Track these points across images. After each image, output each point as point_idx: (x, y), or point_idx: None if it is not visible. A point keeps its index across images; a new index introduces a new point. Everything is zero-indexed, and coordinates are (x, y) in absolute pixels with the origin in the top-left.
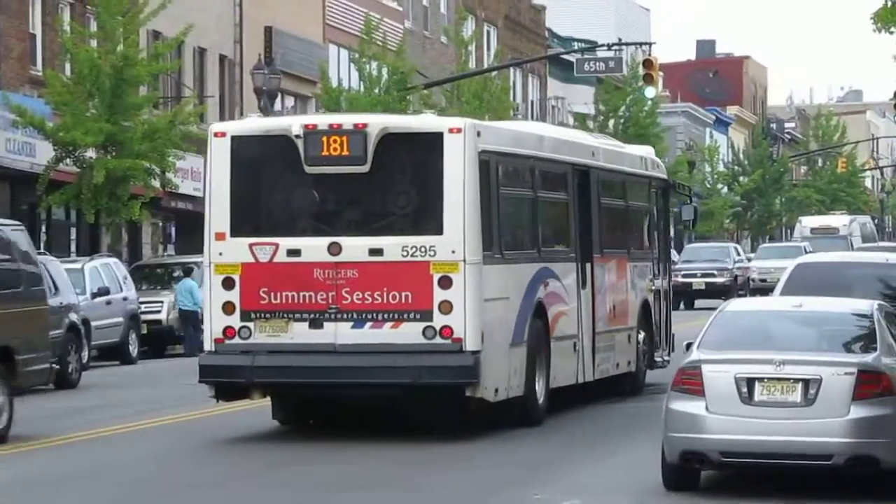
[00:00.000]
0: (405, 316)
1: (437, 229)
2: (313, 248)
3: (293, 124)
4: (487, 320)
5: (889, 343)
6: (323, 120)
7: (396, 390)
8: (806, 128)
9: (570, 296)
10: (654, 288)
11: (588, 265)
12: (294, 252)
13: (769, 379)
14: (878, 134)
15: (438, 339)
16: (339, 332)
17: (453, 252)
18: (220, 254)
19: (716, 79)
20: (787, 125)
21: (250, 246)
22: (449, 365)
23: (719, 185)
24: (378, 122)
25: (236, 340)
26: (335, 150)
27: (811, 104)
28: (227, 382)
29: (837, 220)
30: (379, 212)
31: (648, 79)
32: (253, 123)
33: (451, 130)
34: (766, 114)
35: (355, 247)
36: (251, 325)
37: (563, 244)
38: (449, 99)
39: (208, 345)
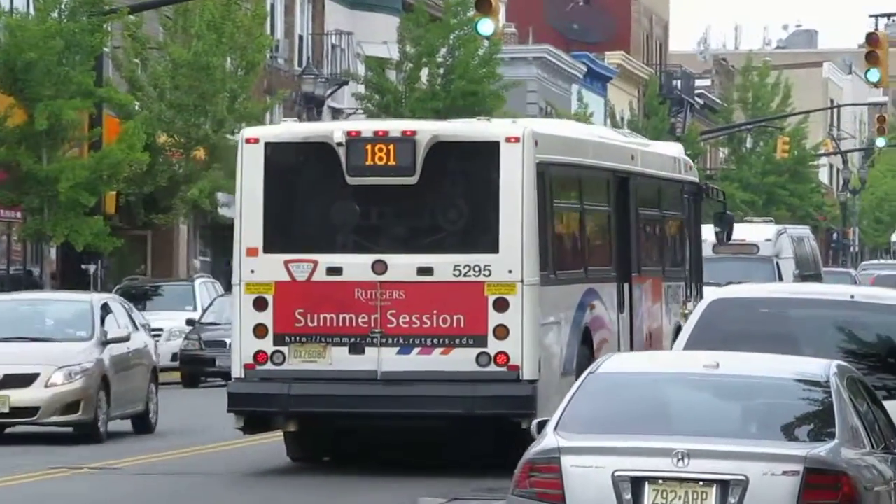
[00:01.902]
0: (457, 341)
1: (493, 247)
2: (356, 266)
3: (334, 130)
4: (543, 347)
5: (853, 426)
6: (367, 126)
7: (446, 422)
8: (729, 88)
9: (612, 320)
10: (686, 312)
11: (626, 286)
12: (335, 270)
13: (667, 479)
14: (841, 100)
15: (493, 367)
16: (382, 359)
17: (510, 272)
18: (252, 271)
19: (589, 9)
20: (699, 83)
21: (286, 263)
22: (505, 395)
23: None
24: (428, 130)
25: (268, 366)
26: (381, 159)
27: (737, 51)
28: (260, 412)
29: (756, 231)
30: (428, 227)
31: (484, 6)
32: (289, 129)
33: (508, 140)
34: (667, 65)
35: (402, 265)
36: (285, 349)
37: (605, 262)
38: (170, 31)
39: (237, 371)
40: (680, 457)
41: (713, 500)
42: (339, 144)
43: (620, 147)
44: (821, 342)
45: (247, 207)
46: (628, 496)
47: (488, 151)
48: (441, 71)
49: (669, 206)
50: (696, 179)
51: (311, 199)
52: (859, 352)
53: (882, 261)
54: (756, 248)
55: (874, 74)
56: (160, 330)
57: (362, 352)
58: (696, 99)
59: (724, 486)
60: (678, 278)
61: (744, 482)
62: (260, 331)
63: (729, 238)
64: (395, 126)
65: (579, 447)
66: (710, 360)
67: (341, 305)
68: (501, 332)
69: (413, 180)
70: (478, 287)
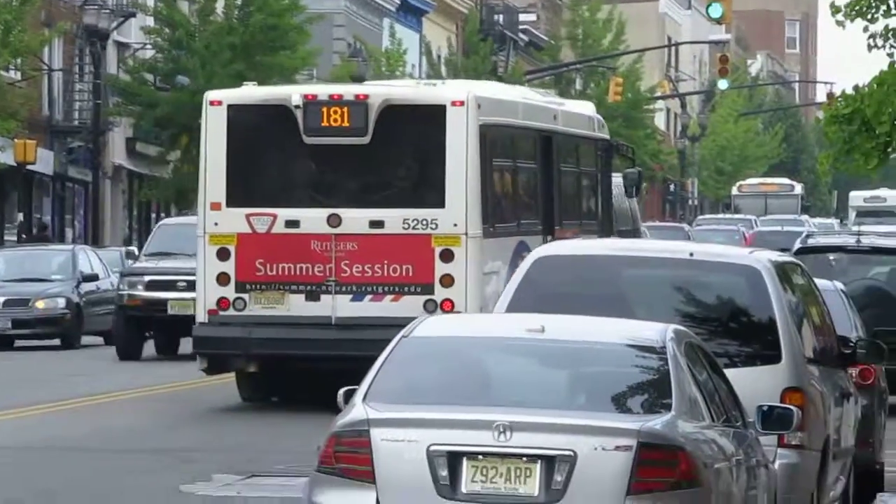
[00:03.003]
0: (406, 289)
1: (439, 202)
2: (312, 219)
3: (292, 94)
4: (484, 295)
5: (691, 397)
6: (323, 90)
7: None
8: (556, 24)
9: None
10: None
11: (550, 238)
12: (292, 223)
13: (487, 455)
14: (679, 37)
15: (439, 313)
16: (337, 305)
17: (455, 225)
18: (216, 224)
19: None
20: (523, 18)
21: (247, 216)
22: None
23: None
24: (379, 94)
25: (230, 312)
26: (335, 121)
27: None
28: (222, 354)
29: None
30: (379, 184)
31: None
32: (250, 92)
33: (454, 103)
34: None
35: (355, 218)
36: (246, 296)
37: (533, 216)
38: None
39: (201, 316)
40: (501, 430)
41: (537, 477)
42: (297, 107)
43: (545, 108)
44: (656, 304)
45: (210, 165)
46: (444, 472)
47: (435, 114)
48: (238, 2)
49: (585, 163)
50: (608, 137)
51: (271, 157)
52: (699, 315)
53: (721, 215)
54: None
55: (716, 10)
56: None
57: (318, 299)
58: (521, 35)
59: (549, 461)
60: (593, 231)
61: (571, 458)
62: (222, 279)
63: (638, 192)
64: (348, 90)
65: (390, 419)
66: (534, 323)
67: (298, 256)
68: (447, 280)
69: (365, 140)
70: (425, 239)
